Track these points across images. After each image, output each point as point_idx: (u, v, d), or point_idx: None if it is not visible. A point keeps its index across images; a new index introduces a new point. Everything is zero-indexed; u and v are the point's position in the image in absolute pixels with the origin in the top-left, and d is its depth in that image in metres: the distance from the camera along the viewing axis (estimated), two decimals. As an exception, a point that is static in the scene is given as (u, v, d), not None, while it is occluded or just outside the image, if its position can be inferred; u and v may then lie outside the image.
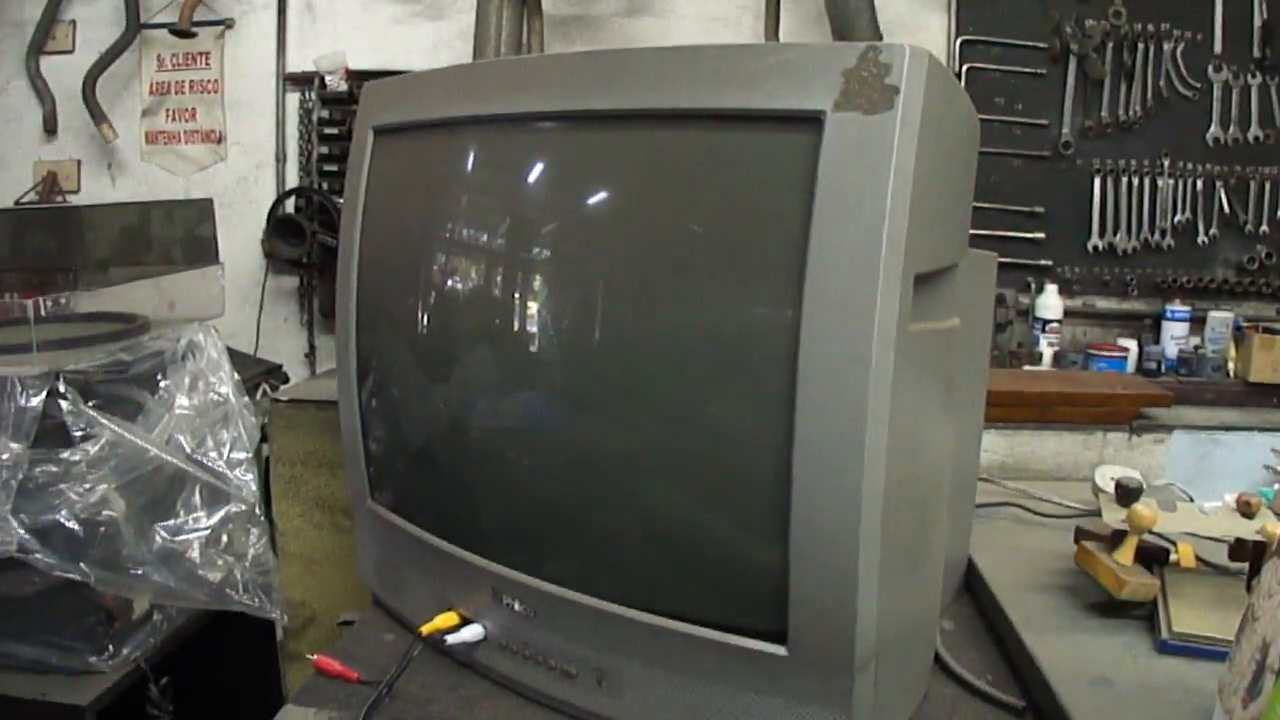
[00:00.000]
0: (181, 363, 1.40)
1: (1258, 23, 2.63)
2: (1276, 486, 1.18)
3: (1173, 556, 1.07)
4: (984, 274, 1.09)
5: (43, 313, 1.27)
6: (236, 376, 1.47)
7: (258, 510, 1.43)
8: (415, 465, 1.09)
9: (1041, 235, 2.74)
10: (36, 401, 1.16)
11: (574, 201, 0.92)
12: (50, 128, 2.95)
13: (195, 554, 1.32)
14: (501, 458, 0.97)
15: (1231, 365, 2.54)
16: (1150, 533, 1.02)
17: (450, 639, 0.97)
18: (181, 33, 2.79)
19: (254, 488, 1.42)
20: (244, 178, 2.99)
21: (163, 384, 1.36)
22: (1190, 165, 2.68)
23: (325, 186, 2.88)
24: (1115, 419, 1.81)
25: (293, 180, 2.96)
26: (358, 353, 1.08)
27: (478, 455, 0.99)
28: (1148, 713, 0.84)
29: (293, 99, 2.94)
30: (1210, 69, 2.65)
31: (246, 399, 1.47)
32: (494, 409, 0.98)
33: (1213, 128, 2.66)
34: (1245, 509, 1.02)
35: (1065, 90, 2.70)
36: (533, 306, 0.91)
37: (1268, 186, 2.67)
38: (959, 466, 1.01)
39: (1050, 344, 2.64)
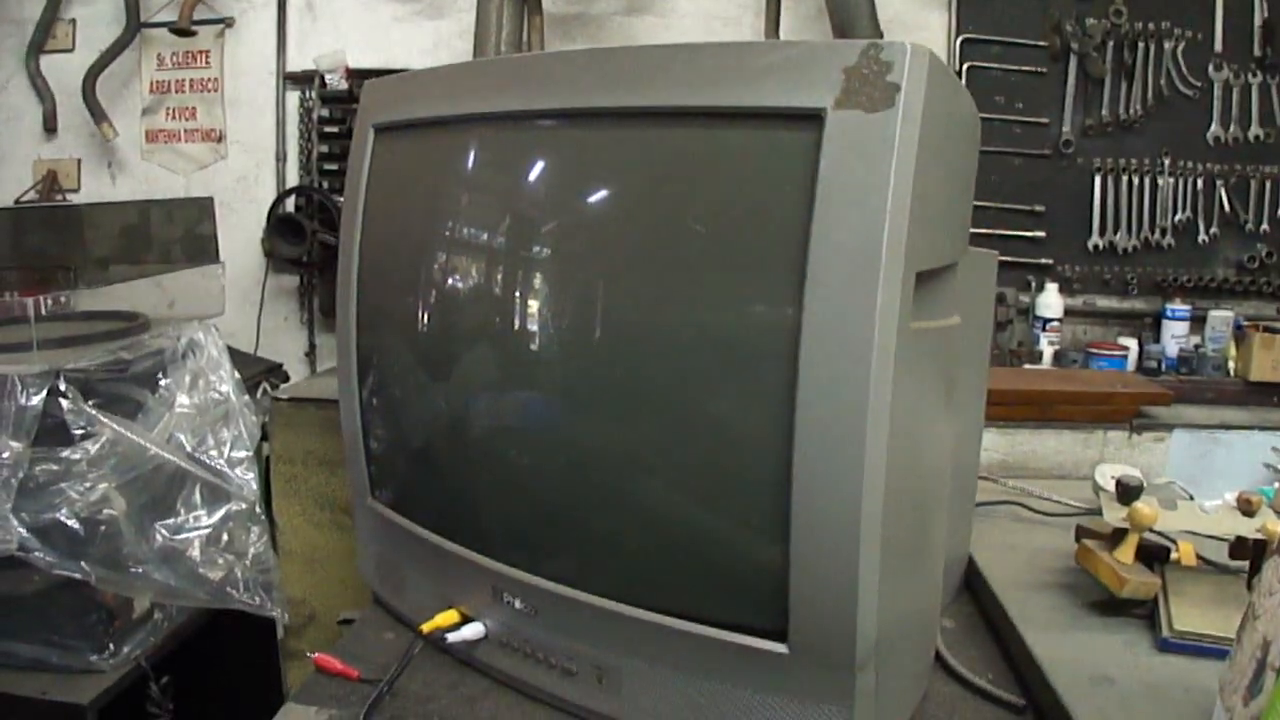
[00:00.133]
0: (182, 361, 1.39)
1: (1258, 21, 2.63)
2: (1277, 485, 1.18)
3: (1173, 555, 1.07)
4: (984, 272, 1.09)
5: (43, 311, 1.27)
6: (237, 375, 1.47)
7: (258, 509, 1.43)
8: (416, 464, 1.09)
9: (1042, 234, 2.74)
10: (37, 400, 1.16)
11: (575, 200, 0.92)
12: (50, 126, 2.95)
13: (196, 552, 1.32)
14: (502, 456, 0.97)
15: (1232, 364, 2.54)
16: (1151, 531, 1.02)
17: (451, 637, 0.97)
18: (181, 31, 2.79)
19: (254, 486, 1.42)
20: (244, 176, 2.99)
21: (163, 382, 1.36)
22: (1191, 164, 2.68)
23: (325, 185, 2.88)
24: (1116, 417, 1.81)
25: (293, 179, 2.96)
26: (358, 351, 1.08)
27: (478, 453, 0.99)
28: (1148, 711, 0.84)
29: (293, 98, 2.94)
30: (1211, 68, 2.65)
31: (247, 397, 1.47)
32: (495, 407, 0.98)
33: (1213, 126, 2.66)
34: (1246, 507, 1.02)
35: (1066, 89, 2.69)
36: (533, 305, 0.91)
37: (1268, 185, 2.66)
38: (959, 465, 1.01)
39: (1050, 343, 2.64)
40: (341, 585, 1.89)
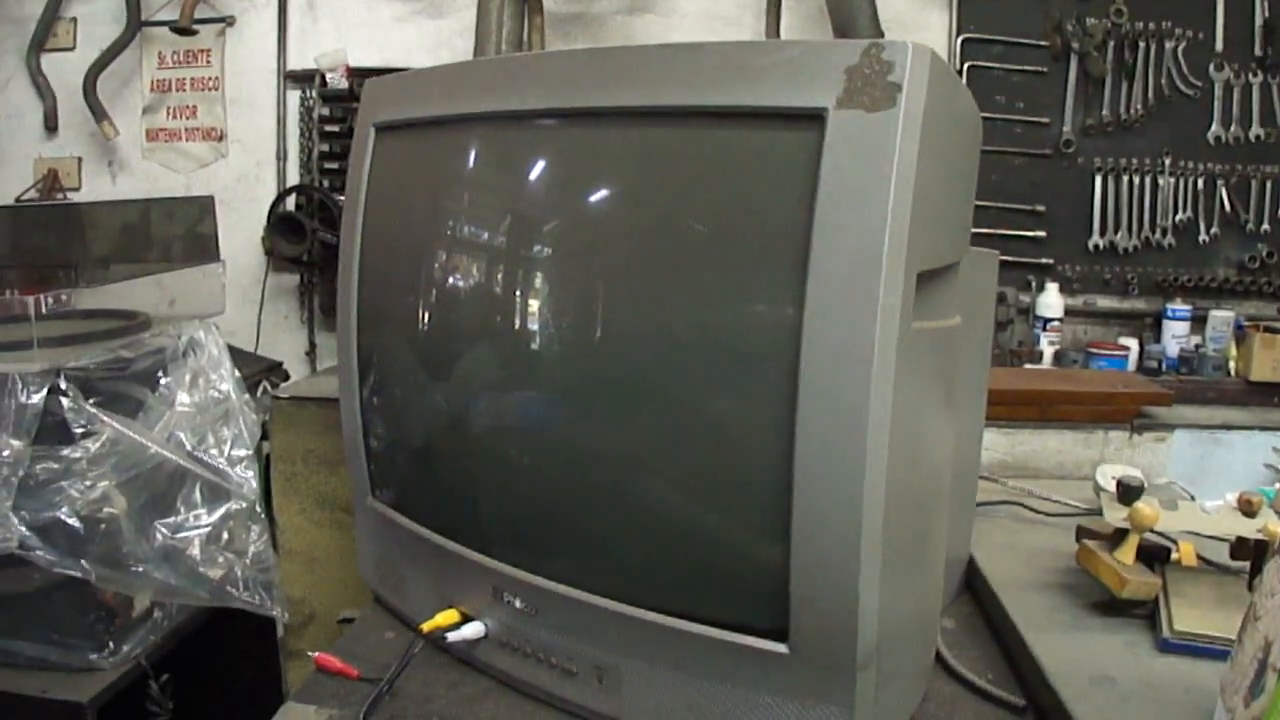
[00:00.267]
0: (182, 360, 1.39)
1: (1259, 21, 2.63)
2: (1277, 485, 1.18)
3: (1174, 555, 1.07)
4: (985, 272, 1.09)
5: (43, 310, 1.27)
6: (237, 374, 1.47)
7: (258, 508, 1.43)
8: (416, 463, 1.09)
9: (1042, 234, 2.74)
10: (37, 399, 1.16)
11: (576, 199, 0.92)
12: (51, 125, 2.95)
13: (196, 551, 1.32)
14: (503, 455, 0.97)
15: (1232, 364, 2.54)
16: (1152, 531, 1.02)
17: (451, 636, 0.97)
18: (182, 30, 2.79)
19: (254, 485, 1.42)
20: (245, 175, 2.99)
21: (163, 381, 1.36)
22: (1191, 164, 2.68)
23: (326, 184, 2.88)
24: (1116, 418, 1.81)
25: (293, 178, 2.96)
26: (359, 350, 1.08)
27: (479, 453, 0.99)
28: (1149, 712, 0.84)
29: (294, 96, 2.94)
30: (1211, 68, 2.65)
31: (247, 396, 1.47)
32: (495, 407, 0.98)
33: (1214, 126, 2.66)
34: (1246, 508, 1.02)
35: (1066, 89, 2.70)
36: (534, 304, 0.91)
37: (1269, 185, 2.67)
38: (960, 465, 1.01)
39: (1051, 342, 2.64)
40: (341, 584, 1.89)
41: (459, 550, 0.98)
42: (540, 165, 0.94)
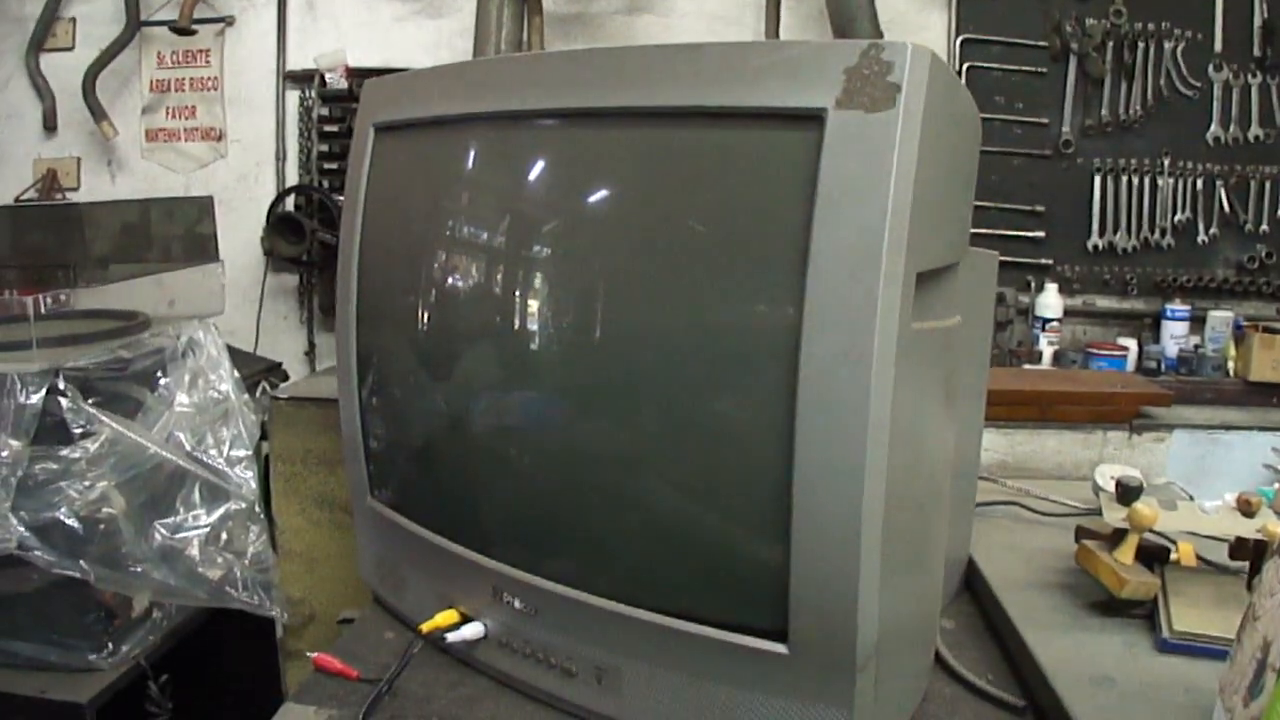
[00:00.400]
0: (181, 360, 1.39)
1: (1258, 22, 2.63)
2: (1277, 485, 1.18)
3: (1173, 555, 1.07)
4: (985, 272, 1.09)
5: (43, 310, 1.27)
6: (236, 374, 1.47)
7: (257, 508, 1.43)
8: (416, 463, 1.09)
9: (1042, 234, 2.74)
10: (36, 399, 1.16)
11: (575, 199, 0.92)
12: (50, 125, 2.95)
13: (195, 551, 1.32)
14: (502, 456, 0.97)
15: (1231, 364, 2.54)
16: (1151, 531, 1.02)
17: (450, 637, 0.97)
18: (182, 30, 2.79)
19: (253, 485, 1.42)
20: (244, 175, 2.99)
21: (162, 381, 1.36)
22: (1190, 164, 2.68)
23: (325, 184, 2.88)
24: (1115, 418, 1.81)
25: (293, 178, 2.96)
26: (358, 350, 1.08)
27: (478, 453, 0.99)
28: (1149, 712, 0.84)
29: (293, 96, 2.94)
30: (1211, 68, 2.65)
31: (246, 396, 1.47)
32: (495, 407, 0.98)
33: (1213, 127, 2.66)
34: (1245, 508, 1.02)
35: (1066, 89, 2.70)
36: (534, 304, 0.91)
37: (1268, 186, 2.67)
38: (959, 465, 1.01)
39: (1050, 343, 2.64)
40: (341, 585, 1.88)
41: (458, 550, 0.98)
42: (540, 166, 0.94)
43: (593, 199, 0.91)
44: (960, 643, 1.06)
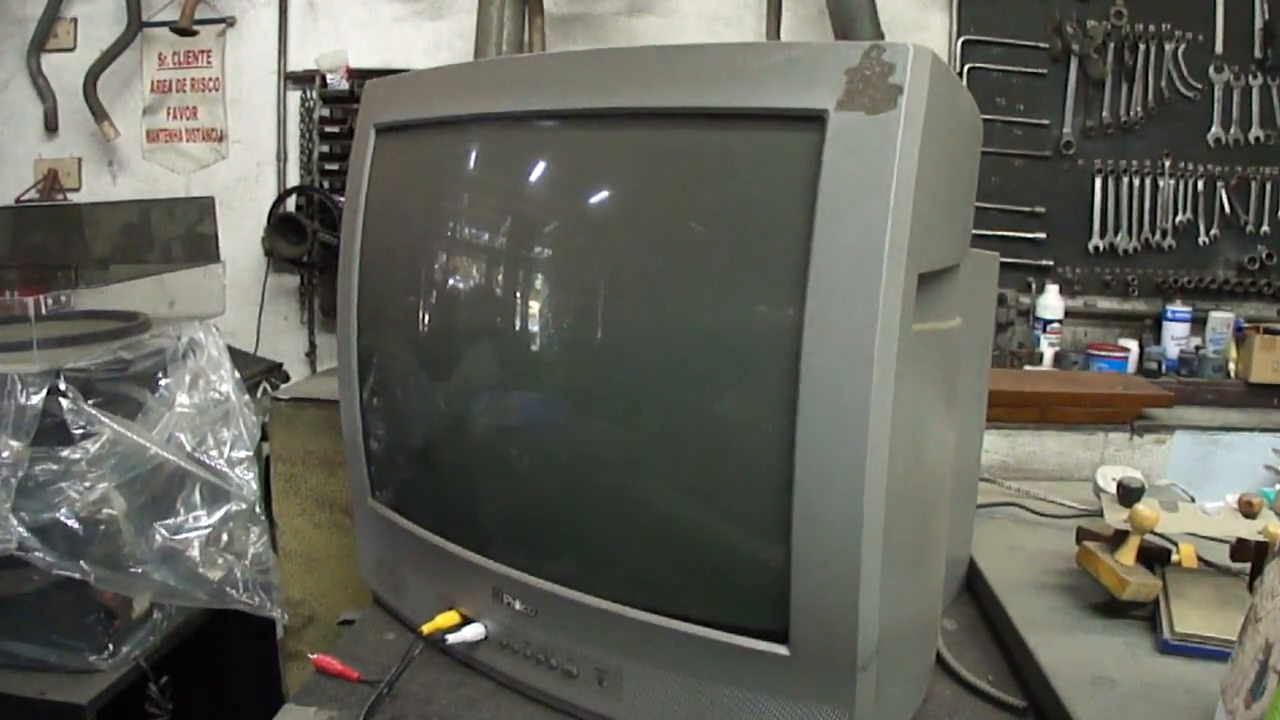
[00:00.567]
0: (182, 361, 1.39)
1: (1259, 24, 2.63)
2: (1278, 487, 1.18)
3: (1174, 557, 1.07)
4: (986, 274, 1.09)
5: (43, 310, 1.27)
6: (237, 375, 1.47)
7: (258, 509, 1.42)
8: (416, 464, 1.09)
9: (1042, 235, 2.74)
10: (37, 399, 1.16)
11: (576, 200, 0.92)
12: (51, 125, 2.95)
13: (195, 552, 1.31)
14: (503, 457, 0.97)
15: (1232, 366, 2.54)
16: (1152, 533, 1.02)
17: (451, 638, 0.97)
18: (183, 30, 2.79)
19: (254, 486, 1.42)
20: (245, 176, 2.99)
21: (163, 382, 1.36)
22: (1191, 166, 2.68)
23: (326, 185, 2.88)
24: (1116, 419, 1.81)
25: (294, 179, 2.96)
26: (359, 351, 1.08)
27: (479, 454, 0.99)
28: (1150, 713, 0.84)
29: (294, 97, 2.94)
30: (1211, 69, 2.65)
31: (247, 397, 1.47)
32: (496, 408, 0.98)
33: (1214, 128, 2.66)
34: (1247, 509, 1.02)
35: (1066, 90, 2.69)
36: (535, 305, 0.91)
37: (1269, 187, 2.67)
38: (960, 466, 1.01)
39: (1051, 344, 2.64)
40: (341, 585, 1.88)
41: (459, 552, 0.98)
42: (541, 167, 0.94)
43: (593, 200, 0.91)
44: (961, 644, 1.06)
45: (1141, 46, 2.65)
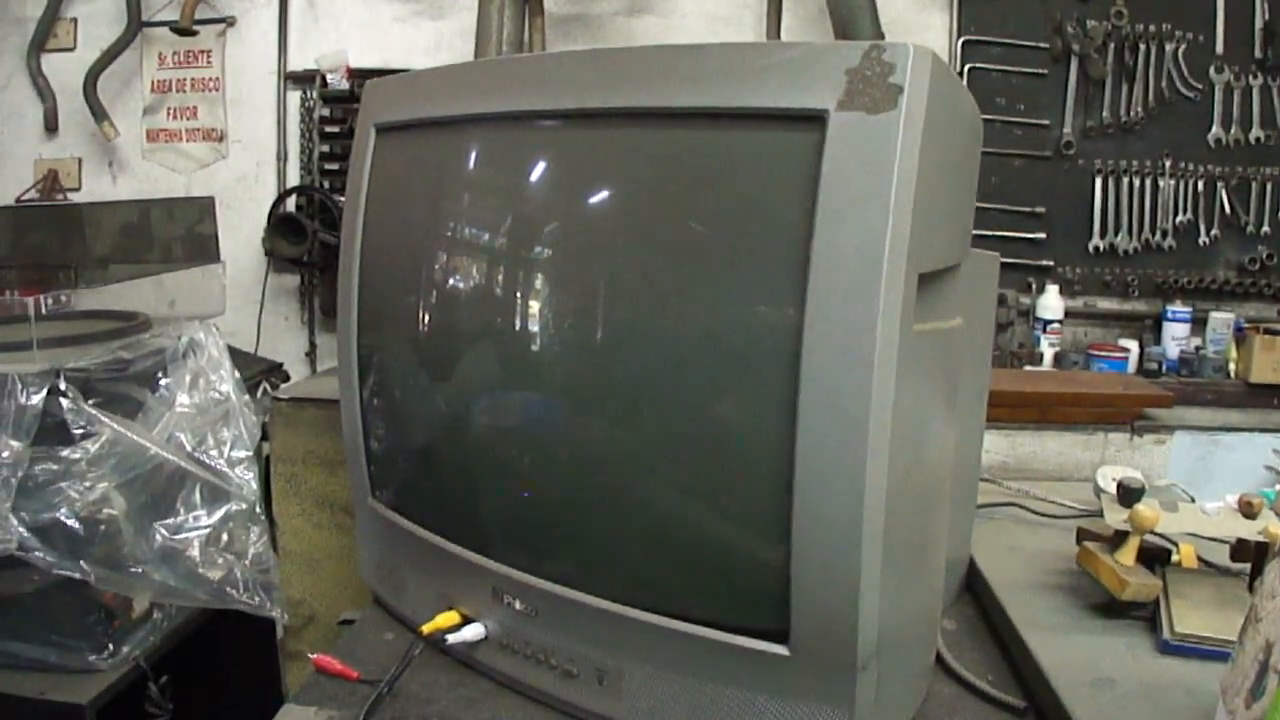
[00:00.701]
0: (182, 361, 1.39)
1: (1259, 24, 2.63)
2: (1278, 487, 1.18)
3: (1174, 557, 1.07)
4: (986, 274, 1.09)
5: (43, 310, 1.27)
6: (237, 375, 1.47)
7: (258, 509, 1.42)
8: (417, 464, 1.09)
9: (1043, 235, 2.74)
10: (37, 399, 1.16)
11: (576, 200, 0.92)
12: (51, 125, 2.95)
13: (195, 552, 1.31)
14: (503, 457, 0.97)
15: (1232, 366, 2.54)
16: (1152, 533, 1.02)
17: (451, 638, 0.97)
18: (183, 30, 2.79)
19: (254, 486, 1.42)
20: (245, 176, 2.99)
21: (163, 382, 1.36)
22: (1191, 166, 2.68)
23: (326, 185, 2.88)
24: (1117, 419, 1.81)
25: (294, 178, 2.96)
26: (359, 351, 1.08)
27: (479, 454, 0.99)
28: (1150, 713, 0.84)
29: (294, 97, 2.94)
30: (1212, 70, 2.65)
31: (247, 397, 1.47)
32: (496, 408, 0.98)
33: (1214, 128, 2.66)
34: (1247, 510, 1.02)
35: (1067, 90, 2.69)
36: (535, 305, 0.91)
37: (1269, 187, 2.67)
38: (960, 466, 1.01)
39: (1051, 344, 2.63)
40: (341, 585, 1.88)
41: (459, 552, 0.98)
42: (541, 167, 0.94)
43: (594, 200, 0.91)
44: (961, 644, 1.06)
45: (1142, 46, 2.65)
